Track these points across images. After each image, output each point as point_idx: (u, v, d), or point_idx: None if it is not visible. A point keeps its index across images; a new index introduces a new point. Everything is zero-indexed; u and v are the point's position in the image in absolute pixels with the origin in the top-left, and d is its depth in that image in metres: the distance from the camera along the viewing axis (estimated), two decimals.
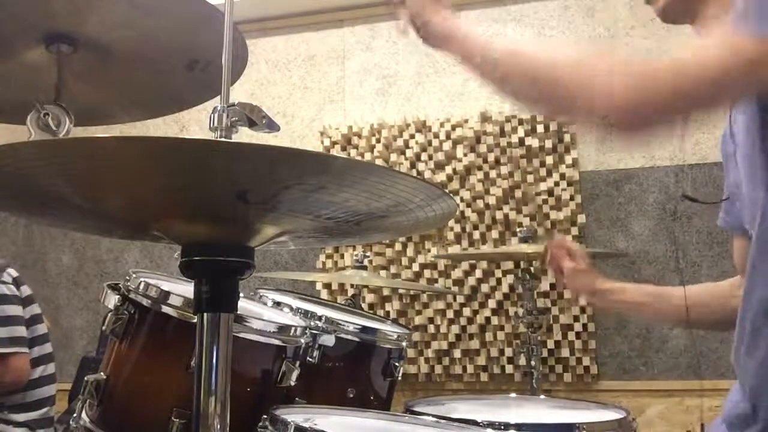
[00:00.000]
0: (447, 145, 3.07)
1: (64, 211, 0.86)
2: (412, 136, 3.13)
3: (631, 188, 2.94)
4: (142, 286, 1.26)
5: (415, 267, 3.04)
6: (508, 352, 2.91)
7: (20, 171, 0.69)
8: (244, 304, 1.35)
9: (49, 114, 1.14)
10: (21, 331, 2.09)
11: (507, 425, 1.25)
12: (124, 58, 1.23)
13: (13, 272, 2.16)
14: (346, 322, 1.50)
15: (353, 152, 3.19)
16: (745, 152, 1.04)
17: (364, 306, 2.92)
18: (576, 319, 2.87)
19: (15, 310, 2.10)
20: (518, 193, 2.98)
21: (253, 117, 0.89)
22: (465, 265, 2.98)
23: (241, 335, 1.21)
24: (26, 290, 2.19)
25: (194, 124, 3.45)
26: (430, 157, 3.09)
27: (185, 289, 1.24)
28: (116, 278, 1.38)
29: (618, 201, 2.96)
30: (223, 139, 0.86)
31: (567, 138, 2.97)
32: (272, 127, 0.90)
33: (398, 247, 3.07)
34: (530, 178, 2.98)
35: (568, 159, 2.97)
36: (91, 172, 0.69)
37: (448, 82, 3.22)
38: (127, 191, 0.73)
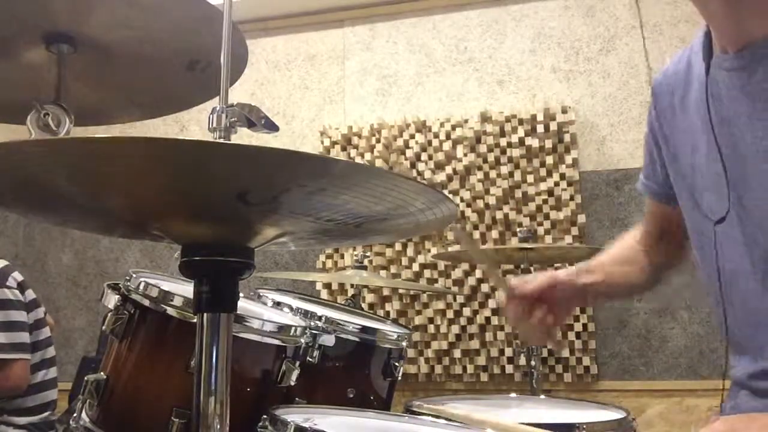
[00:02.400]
0: (447, 145, 3.07)
1: (64, 210, 0.86)
2: (412, 136, 3.13)
3: (631, 188, 2.94)
4: (142, 286, 1.26)
5: (415, 267, 3.04)
6: (508, 352, 2.91)
7: (21, 169, 0.69)
8: (244, 304, 1.35)
9: (49, 114, 1.14)
10: (24, 337, 2.09)
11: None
12: (124, 58, 1.23)
13: (18, 276, 2.15)
14: (346, 322, 1.50)
15: (353, 152, 3.19)
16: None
17: (364, 306, 2.92)
18: (576, 319, 2.87)
19: (19, 315, 2.10)
20: (518, 193, 2.98)
21: (251, 117, 0.89)
22: (465, 265, 2.98)
23: (241, 335, 1.21)
24: (31, 294, 2.18)
25: (194, 124, 3.45)
26: (430, 157, 3.09)
27: (185, 289, 1.24)
28: (116, 278, 1.38)
29: (618, 201, 2.96)
30: (224, 141, 0.86)
31: (567, 138, 2.98)
32: (271, 127, 0.90)
33: (398, 247, 3.07)
34: (530, 178, 2.98)
35: (568, 159, 2.97)
36: (92, 171, 0.69)
37: (448, 82, 3.22)
38: (128, 191, 0.73)
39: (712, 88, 1.06)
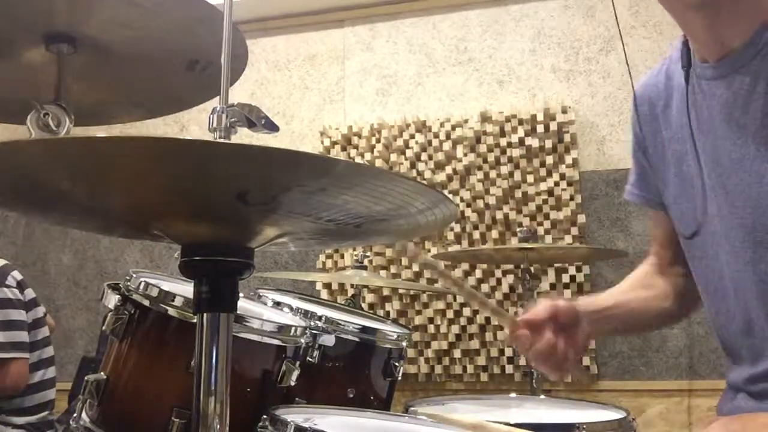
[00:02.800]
0: (447, 145, 3.06)
1: (64, 209, 0.86)
2: (412, 136, 3.13)
3: None
4: (142, 286, 1.26)
5: (415, 267, 3.03)
6: (508, 352, 2.91)
7: (22, 169, 0.69)
8: (244, 304, 1.35)
9: (49, 114, 1.14)
10: (23, 336, 2.09)
11: (506, 425, 1.25)
12: (124, 58, 1.23)
13: (17, 275, 2.15)
14: (346, 322, 1.50)
15: (353, 152, 3.19)
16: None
17: (364, 306, 2.92)
18: None
19: (18, 314, 2.09)
20: (518, 193, 2.98)
21: (252, 118, 0.90)
22: (465, 265, 2.98)
23: (241, 335, 1.21)
24: (30, 293, 2.17)
25: (194, 124, 3.45)
26: (430, 157, 3.09)
27: (185, 289, 1.24)
28: (116, 278, 1.38)
29: (618, 201, 2.96)
30: (224, 141, 0.86)
31: (567, 138, 2.97)
32: (271, 127, 0.91)
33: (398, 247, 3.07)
34: (530, 178, 2.98)
35: (568, 159, 2.96)
36: (92, 171, 0.69)
37: (448, 82, 3.22)
38: (128, 191, 0.73)
39: (692, 97, 1.07)
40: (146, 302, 1.25)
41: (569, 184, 2.95)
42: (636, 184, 1.27)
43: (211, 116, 0.90)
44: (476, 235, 3.00)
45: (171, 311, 1.23)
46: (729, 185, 1.03)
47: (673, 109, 1.13)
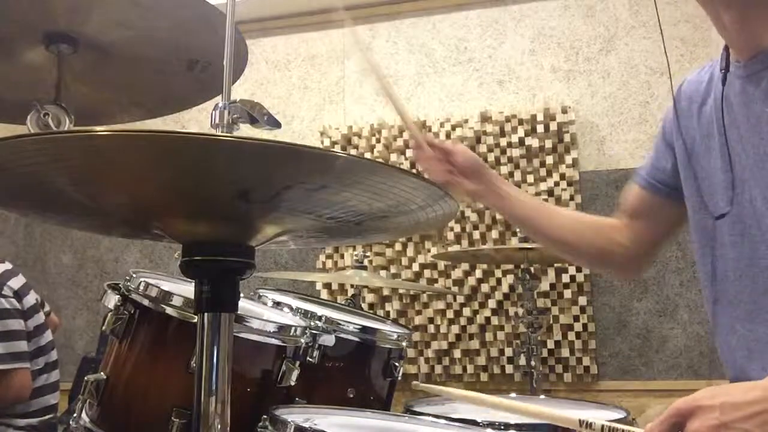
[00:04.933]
0: None
1: (64, 208, 0.86)
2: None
3: None
4: (142, 286, 1.26)
5: (415, 267, 3.03)
6: (508, 352, 2.91)
7: (22, 164, 0.69)
8: (244, 304, 1.35)
9: (49, 114, 1.14)
10: (22, 345, 2.06)
11: (507, 425, 1.25)
12: (124, 58, 1.23)
13: (14, 284, 2.10)
14: (346, 322, 1.50)
15: (353, 152, 3.19)
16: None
17: (364, 306, 2.92)
18: (576, 319, 2.87)
19: (15, 324, 2.06)
20: None
21: (254, 114, 0.89)
22: (465, 265, 2.98)
23: (242, 335, 1.21)
24: (30, 300, 2.13)
25: (194, 124, 3.45)
26: None
27: (185, 289, 1.24)
28: (116, 278, 1.38)
29: (618, 201, 2.95)
30: (224, 134, 0.86)
31: (567, 138, 2.97)
32: (274, 123, 0.90)
33: (398, 247, 3.07)
34: (530, 178, 2.98)
35: (568, 159, 2.96)
36: (92, 168, 0.68)
37: (448, 82, 3.22)
38: (128, 188, 0.73)
39: (726, 96, 1.10)
40: (146, 302, 1.25)
41: (569, 184, 2.95)
42: (649, 171, 1.36)
43: (214, 112, 0.89)
44: (476, 235, 3.00)
45: (171, 311, 1.23)
46: (752, 179, 1.05)
47: (707, 107, 1.17)
